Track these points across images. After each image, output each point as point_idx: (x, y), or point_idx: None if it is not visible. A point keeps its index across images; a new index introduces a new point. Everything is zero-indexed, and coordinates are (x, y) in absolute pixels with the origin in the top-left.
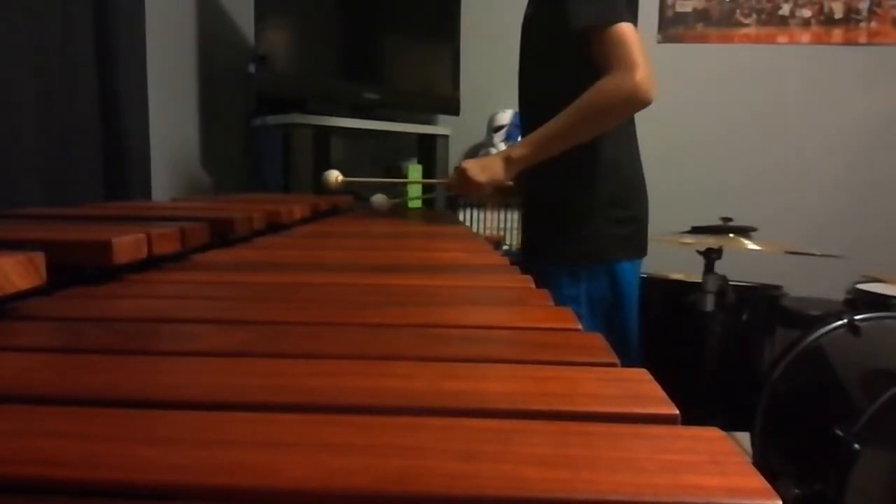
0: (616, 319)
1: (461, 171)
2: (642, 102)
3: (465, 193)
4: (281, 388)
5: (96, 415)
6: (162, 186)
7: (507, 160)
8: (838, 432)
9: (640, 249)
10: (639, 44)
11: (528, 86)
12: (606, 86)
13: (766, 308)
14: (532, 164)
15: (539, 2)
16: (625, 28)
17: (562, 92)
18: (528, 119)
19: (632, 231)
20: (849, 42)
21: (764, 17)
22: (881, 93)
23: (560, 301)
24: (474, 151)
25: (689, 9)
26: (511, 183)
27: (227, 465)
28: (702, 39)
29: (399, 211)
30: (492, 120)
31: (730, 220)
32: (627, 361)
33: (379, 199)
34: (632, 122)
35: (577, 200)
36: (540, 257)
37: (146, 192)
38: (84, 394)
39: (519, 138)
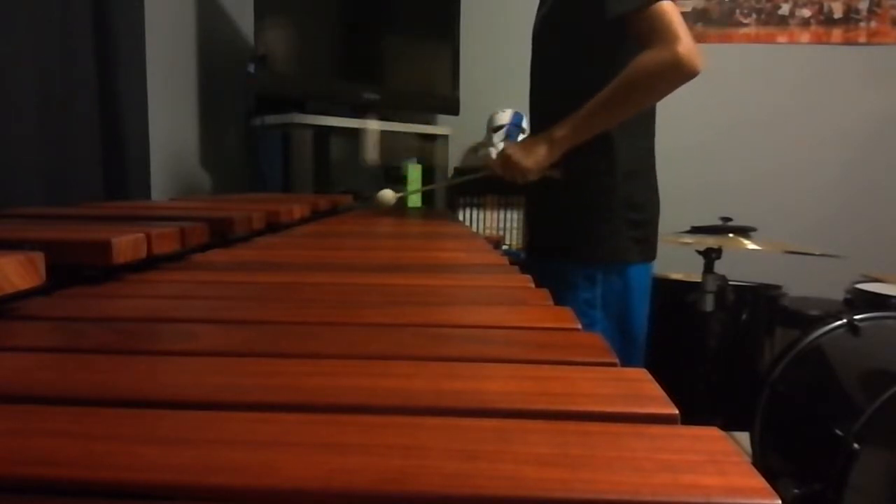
0: (626, 322)
1: (506, 158)
2: (686, 74)
3: (510, 178)
4: (280, 387)
5: (96, 415)
6: (161, 186)
7: (552, 142)
8: (838, 432)
9: (651, 252)
10: (679, 18)
11: (545, 85)
12: (646, 58)
13: (765, 308)
14: (575, 143)
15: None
16: (663, 6)
17: (592, 85)
18: (547, 119)
19: (644, 234)
20: (848, 42)
21: (763, 16)
22: (881, 93)
23: (576, 305)
24: (474, 151)
25: (688, 8)
26: (556, 175)
27: (226, 464)
28: (701, 39)
29: (399, 211)
30: (491, 119)
31: (729, 219)
32: (634, 364)
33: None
34: (652, 124)
35: (595, 202)
36: (553, 258)
37: (145, 192)
38: (84, 394)
39: (519, 138)
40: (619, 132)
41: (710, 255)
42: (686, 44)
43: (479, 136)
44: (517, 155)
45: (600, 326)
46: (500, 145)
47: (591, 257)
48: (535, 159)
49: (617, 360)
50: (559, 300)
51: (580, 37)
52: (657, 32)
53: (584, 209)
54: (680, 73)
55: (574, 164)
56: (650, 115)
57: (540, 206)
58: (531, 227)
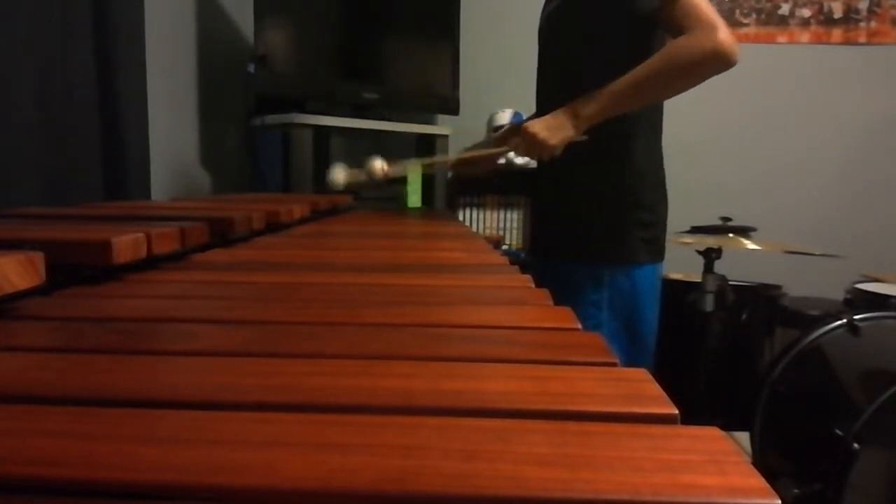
0: (634, 323)
1: (531, 136)
2: (726, 62)
3: (533, 156)
4: (280, 387)
5: (96, 415)
6: (161, 186)
7: (576, 117)
8: (838, 432)
9: (660, 253)
10: (711, 7)
11: (552, 82)
12: (686, 42)
13: (765, 308)
14: (600, 120)
15: None
16: None
17: (599, 82)
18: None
19: (653, 234)
20: (848, 42)
21: (763, 16)
22: (880, 93)
23: (583, 307)
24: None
25: None
26: (584, 137)
27: (226, 464)
28: None
29: (399, 210)
30: (491, 119)
31: (729, 219)
32: (641, 365)
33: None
34: (659, 124)
35: (609, 202)
36: (559, 259)
37: (145, 192)
38: (84, 394)
39: None
40: (633, 132)
41: (710, 255)
42: (725, 31)
43: (479, 136)
44: (542, 133)
45: (607, 328)
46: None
47: (599, 258)
48: (560, 137)
49: (617, 360)
50: (566, 301)
51: (588, 34)
52: (694, 20)
53: (595, 210)
54: (720, 61)
55: (583, 166)
56: (659, 115)
57: (547, 207)
58: (537, 229)
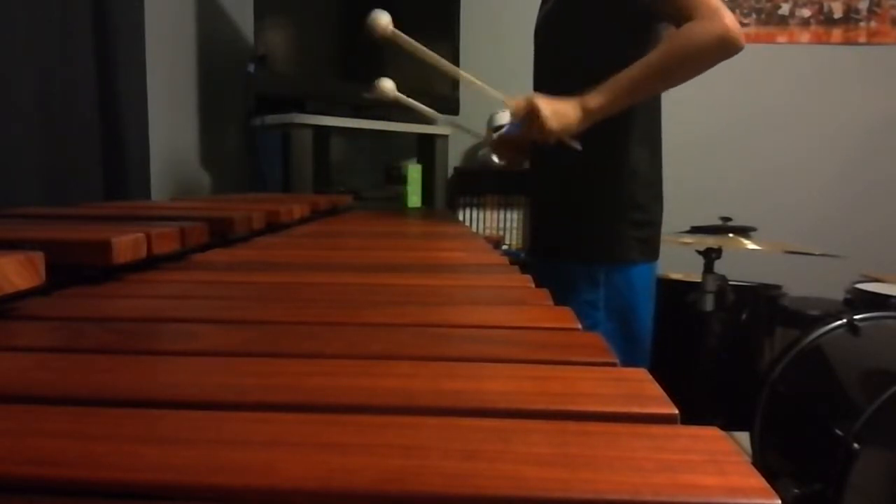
0: (630, 322)
1: (534, 110)
2: (734, 47)
3: (527, 132)
4: (280, 387)
5: (96, 415)
6: (161, 186)
7: (585, 111)
8: (838, 432)
9: (654, 252)
10: None
11: (549, 81)
12: (694, 29)
13: (765, 308)
14: (609, 114)
15: None
16: None
17: (597, 81)
18: None
19: (648, 234)
20: (848, 42)
21: (763, 16)
22: (880, 92)
23: (579, 307)
24: (474, 151)
25: None
26: (577, 147)
27: (226, 464)
28: None
29: (399, 210)
30: (491, 120)
31: (729, 219)
32: (638, 364)
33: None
34: (658, 123)
35: (602, 202)
36: (557, 258)
37: (145, 192)
38: (83, 394)
39: None
40: (628, 133)
41: (710, 255)
42: (731, 16)
43: (479, 136)
44: (546, 111)
45: (603, 327)
46: None
47: (595, 258)
48: (563, 124)
49: (617, 360)
50: (562, 301)
51: (585, 32)
52: (698, 6)
53: (588, 210)
54: (729, 46)
55: (578, 165)
56: (656, 115)
57: (545, 207)
58: (536, 229)
